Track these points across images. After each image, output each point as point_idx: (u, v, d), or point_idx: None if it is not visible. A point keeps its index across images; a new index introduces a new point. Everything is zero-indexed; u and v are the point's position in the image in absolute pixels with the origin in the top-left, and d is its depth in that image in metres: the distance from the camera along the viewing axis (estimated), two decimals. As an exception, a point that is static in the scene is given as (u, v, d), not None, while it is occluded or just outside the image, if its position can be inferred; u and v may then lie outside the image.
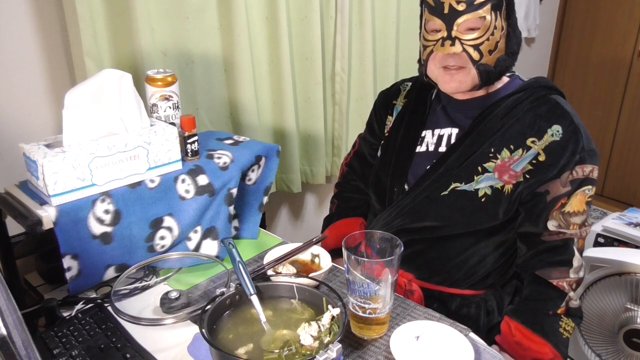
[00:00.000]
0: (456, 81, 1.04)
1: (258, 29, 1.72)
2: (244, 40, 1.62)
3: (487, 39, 1.00)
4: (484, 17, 0.98)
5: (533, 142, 1.03)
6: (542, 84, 1.08)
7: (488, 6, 0.98)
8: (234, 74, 1.67)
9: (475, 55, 1.00)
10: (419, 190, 1.11)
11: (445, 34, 1.01)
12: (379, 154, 1.25)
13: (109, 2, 1.39)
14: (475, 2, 0.98)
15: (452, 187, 1.07)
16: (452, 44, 1.00)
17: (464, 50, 1.00)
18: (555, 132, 1.02)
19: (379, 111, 1.28)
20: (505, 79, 1.11)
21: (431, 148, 1.13)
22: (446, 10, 1.00)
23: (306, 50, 1.85)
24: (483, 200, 1.05)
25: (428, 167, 1.12)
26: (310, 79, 1.89)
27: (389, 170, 1.18)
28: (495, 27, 1.00)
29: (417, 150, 1.15)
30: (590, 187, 1.03)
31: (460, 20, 0.99)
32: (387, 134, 1.23)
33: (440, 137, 1.13)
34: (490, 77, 1.03)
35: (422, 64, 1.09)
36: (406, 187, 1.15)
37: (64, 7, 1.35)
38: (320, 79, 1.89)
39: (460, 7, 0.98)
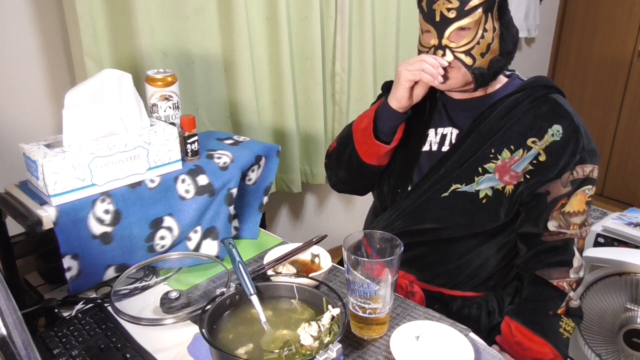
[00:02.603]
0: (449, 79, 1.04)
1: (258, 29, 1.72)
2: (244, 40, 1.62)
3: (478, 43, 1.00)
4: (475, 20, 0.98)
5: (533, 142, 1.03)
6: (541, 83, 1.07)
7: (479, 10, 0.98)
8: (234, 74, 1.67)
9: (468, 60, 1.01)
10: (420, 192, 1.10)
11: (436, 42, 1.01)
12: None
13: (109, 2, 1.39)
14: (466, 8, 0.97)
15: (452, 188, 1.07)
16: (444, 54, 1.01)
17: (456, 58, 1.01)
18: (555, 132, 1.02)
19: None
20: (504, 79, 1.11)
21: (434, 147, 1.13)
22: (437, 18, 1.00)
23: (306, 50, 1.85)
24: (484, 201, 1.05)
25: (429, 168, 1.12)
26: (310, 79, 1.89)
27: (394, 170, 1.18)
28: (485, 30, 1.00)
29: (422, 149, 1.15)
30: (590, 186, 1.03)
31: (451, 28, 0.99)
32: None
33: (443, 137, 1.13)
34: (485, 79, 1.04)
35: None
36: (409, 187, 1.14)
37: (64, 7, 1.35)
38: (320, 79, 1.90)
39: (451, 14, 0.98)
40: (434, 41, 1.02)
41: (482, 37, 1.00)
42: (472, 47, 1.00)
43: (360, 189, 1.30)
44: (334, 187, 1.34)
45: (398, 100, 1.08)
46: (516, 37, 1.05)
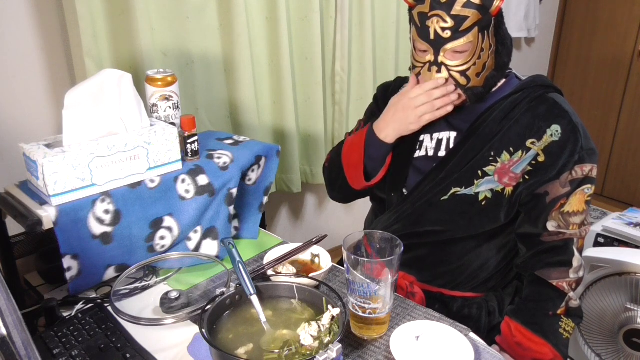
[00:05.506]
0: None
1: (258, 29, 1.72)
2: (244, 40, 1.62)
3: (474, 64, 0.99)
4: (471, 42, 0.97)
5: (532, 143, 1.02)
6: (539, 82, 1.07)
7: (475, 30, 0.97)
8: (234, 74, 1.67)
9: (462, 80, 1.00)
10: (419, 195, 1.10)
11: (432, 58, 1.01)
12: None
13: (109, 2, 1.39)
14: (461, 29, 0.96)
15: (452, 191, 1.07)
16: (439, 71, 1.00)
17: (451, 76, 1.00)
18: (554, 132, 1.02)
19: (380, 103, 1.26)
20: (501, 81, 1.10)
21: (430, 153, 1.13)
22: (432, 37, 0.99)
23: (306, 50, 1.85)
24: (484, 203, 1.05)
25: (428, 171, 1.11)
26: (310, 79, 1.89)
27: (387, 177, 1.17)
28: (482, 50, 0.99)
29: (415, 155, 1.14)
30: (589, 186, 1.03)
31: (446, 47, 0.98)
32: None
33: (439, 141, 1.12)
34: (479, 97, 1.04)
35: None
36: (405, 191, 1.14)
37: (64, 7, 1.35)
38: (320, 79, 1.89)
39: (446, 34, 0.97)
40: (429, 57, 1.01)
41: (479, 57, 0.99)
42: (469, 68, 0.99)
43: (356, 199, 1.33)
44: (331, 198, 1.36)
45: (398, 133, 1.09)
46: (511, 48, 1.05)
